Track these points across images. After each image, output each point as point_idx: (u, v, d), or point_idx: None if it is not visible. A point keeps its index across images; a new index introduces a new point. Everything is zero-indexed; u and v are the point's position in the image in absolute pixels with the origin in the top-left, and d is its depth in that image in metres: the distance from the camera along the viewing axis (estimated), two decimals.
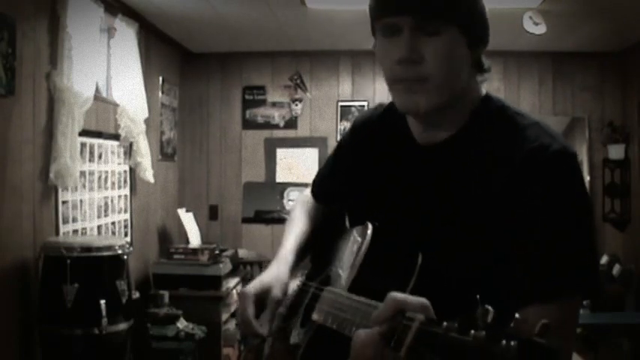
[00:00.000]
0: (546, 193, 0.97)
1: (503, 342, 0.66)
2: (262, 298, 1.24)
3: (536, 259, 0.96)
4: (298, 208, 1.46)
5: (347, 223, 1.27)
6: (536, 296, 0.95)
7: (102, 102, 3.61)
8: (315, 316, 1.12)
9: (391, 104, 1.18)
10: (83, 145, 3.31)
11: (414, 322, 0.77)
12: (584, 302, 4.06)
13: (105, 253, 2.74)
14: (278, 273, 1.28)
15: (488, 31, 1.12)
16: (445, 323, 0.73)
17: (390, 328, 0.81)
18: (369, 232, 1.11)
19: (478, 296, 0.72)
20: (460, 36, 1.05)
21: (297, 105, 5.31)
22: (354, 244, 1.15)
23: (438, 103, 1.06)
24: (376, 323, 0.84)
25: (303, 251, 1.36)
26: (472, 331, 0.69)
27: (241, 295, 1.25)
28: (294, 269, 1.31)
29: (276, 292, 1.24)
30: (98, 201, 3.57)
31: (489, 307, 0.70)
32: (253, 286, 1.25)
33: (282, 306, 1.27)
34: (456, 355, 0.70)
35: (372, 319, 0.86)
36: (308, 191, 1.48)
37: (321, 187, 1.44)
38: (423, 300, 0.82)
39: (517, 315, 0.69)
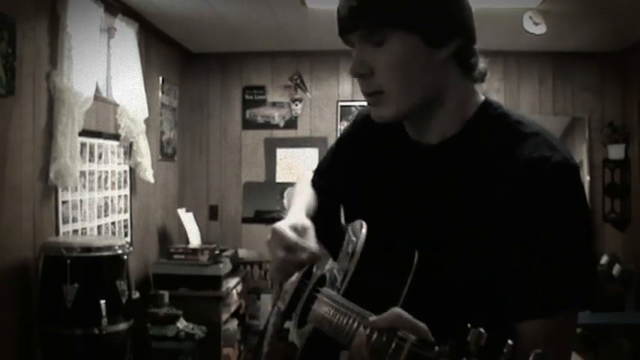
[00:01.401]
0: (545, 206, 0.96)
1: None
2: (296, 231, 1.16)
3: (534, 272, 0.96)
4: (303, 184, 1.45)
5: (342, 219, 1.27)
6: (534, 310, 0.94)
7: (102, 102, 3.61)
8: (310, 319, 1.12)
9: None
10: (83, 145, 3.31)
11: (406, 343, 0.76)
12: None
13: (105, 253, 2.74)
14: (298, 216, 1.22)
15: (459, 22, 1.04)
16: (437, 348, 0.72)
17: (381, 342, 0.80)
18: (364, 231, 1.11)
19: (469, 325, 0.71)
20: (412, 38, 1.00)
21: (297, 105, 5.31)
22: (349, 243, 1.14)
23: (402, 110, 1.05)
24: (371, 327, 0.84)
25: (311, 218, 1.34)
26: (464, 359, 0.69)
27: (275, 230, 1.16)
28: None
29: (309, 223, 1.19)
30: (98, 201, 3.57)
31: (482, 330, 0.69)
32: (281, 223, 1.18)
33: (281, 302, 1.27)
34: None
35: (369, 322, 0.86)
36: (310, 175, 1.48)
37: (320, 180, 1.44)
38: (422, 325, 0.82)
39: (509, 341, 0.68)
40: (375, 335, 0.82)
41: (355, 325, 0.94)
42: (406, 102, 1.04)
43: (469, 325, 0.71)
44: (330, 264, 1.21)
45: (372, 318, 0.86)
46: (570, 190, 0.98)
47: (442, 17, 1.02)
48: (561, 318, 0.95)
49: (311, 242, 1.16)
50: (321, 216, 1.39)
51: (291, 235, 1.14)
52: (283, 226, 1.16)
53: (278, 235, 1.15)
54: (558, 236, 0.96)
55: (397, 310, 0.84)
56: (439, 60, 1.03)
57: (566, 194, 0.98)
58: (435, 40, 1.01)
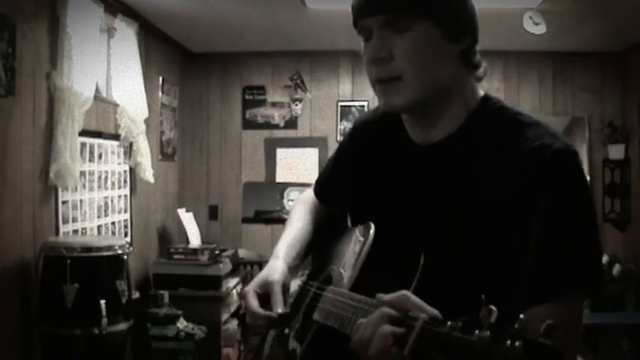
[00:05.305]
0: (549, 193, 0.97)
1: (508, 342, 0.65)
2: (264, 289, 1.25)
3: (540, 258, 0.96)
4: (298, 206, 1.46)
5: (349, 223, 1.27)
6: (540, 295, 0.95)
7: (102, 102, 3.61)
8: (316, 316, 1.12)
9: None
10: (83, 145, 3.31)
11: (417, 322, 0.77)
12: (584, 302, 4.06)
13: (105, 253, 2.73)
14: (272, 265, 1.29)
15: (473, 22, 1.09)
16: (449, 323, 0.72)
17: (392, 323, 0.81)
18: (372, 231, 1.11)
19: (483, 296, 0.71)
20: (433, 29, 1.03)
21: (297, 105, 5.31)
22: (356, 243, 1.15)
23: (416, 98, 1.06)
24: (380, 302, 0.86)
25: (302, 248, 1.36)
26: (476, 331, 0.69)
27: (243, 294, 1.26)
28: (291, 262, 1.31)
29: (276, 277, 1.25)
30: (98, 201, 3.57)
31: (493, 307, 0.69)
32: (251, 283, 1.28)
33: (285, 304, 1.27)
34: (460, 355, 0.69)
35: (378, 298, 0.88)
36: (310, 190, 1.48)
37: (322, 188, 1.44)
38: (431, 308, 0.82)
39: (521, 315, 0.68)
40: (385, 313, 0.83)
41: (362, 314, 0.94)
42: (421, 91, 1.05)
43: (483, 296, 0.71)
44: (335, 265, 1.21)
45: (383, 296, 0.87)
46: (573, 176, 1.00)
47: (461, 14, 1.07)
48: (568, 302, 0.95)
49: (274, 299, 1.23)
50: (327, 221, 1.39)
51: (251, 303, 1.24)
52: (250, 291, 1.25)
53: (244, 303, 1.26)
54: (563, 221, 0.97)
55: (406, 291, 0.86)
56: (452, 55, 1.07)
57: (569, 180, 0.99)
58: (452, 35, 1.05)
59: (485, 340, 0.67)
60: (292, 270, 1.31)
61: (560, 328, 0.67)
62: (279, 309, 1.21)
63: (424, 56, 1.04)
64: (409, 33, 1.03)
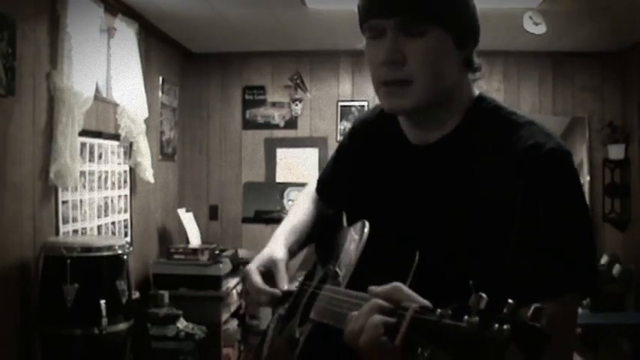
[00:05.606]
0: (543, 191, 0.98)
1: (496, 326, 0.66)
2: (267, 267, 1.25)
3: (537, 258, 0.97)
4: (301, 198, 1.47)
5: (345, 223, 1.28)
6: (535, 294, 0.94)
7: (102, 102, 3.61)
8: (312, 315, 1.13)
9: None
10: (83, 145, 3.31)
11: (408, 312, 0.78)
12: (584, 302, 4.07)
13: (105, 253, 2.74)
14: (273, 246, 1.30)
15: (478, 29, 1.11)
16: (439, 310, 0.73)
17: (383, 313, 0.82)
18: (366, 230, 1.12)
19: (471, 282, 0.72)
20: (446, 35, 1.04)
21: (297, 105, 5.31)
22: (352, 242, 1.16)
23: (423, 103, 1.06)
24: (372, 294, 0.86)
25: (302, 236, 1.36)
26: (465, 317, 0.69)
27: (245, 272, 1.26)
28: (290, 246, 1.32)
29: (279, 255, 1.26)
30: (98, 201, 3.57)
31: (483, 295, 0.70)
32: (254, 261, 1.27)
33: (282, 308, 1.28)
34: (450, 341, 0.70)
35: (370, 290, 0.88)
36: (313, 184, 1.49)
37: (323, 189, 1.45)
38: (425, 300, 0.83)
39: (510, 300, 0.69)
40: (375, 303, 0.83)
41: (355, 308, 0.94)
42: (429, 95, 1.06)
43: (471, 282, 0.72)
44: (331, 264, 1.21)
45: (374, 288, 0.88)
46: (566, 175, 1.00)
47: (469, 22, 1.09)
48: (564, 300, 0.96)
49: (279, 276, 1.24)
50: (324, 221, 1.40)
51: (255, 279, 1.24)
52: (253, 268, 1.25)
53: (247, 280, 1.26)
54: (560, 220, 0.97)
55: (398, 283, 0.86)
56: (458, 60, 1.08)
57: (562, 178, 1.00)
58: (461, 42, 1.07)
59: (474, 325, 0.68)
60: (291, 254, 1.31)
61: (556, 325, 0.68)
62: (285, 286, 1.21)
63: (436, 62, 1.05)
64: (424, 38, 1.04)
